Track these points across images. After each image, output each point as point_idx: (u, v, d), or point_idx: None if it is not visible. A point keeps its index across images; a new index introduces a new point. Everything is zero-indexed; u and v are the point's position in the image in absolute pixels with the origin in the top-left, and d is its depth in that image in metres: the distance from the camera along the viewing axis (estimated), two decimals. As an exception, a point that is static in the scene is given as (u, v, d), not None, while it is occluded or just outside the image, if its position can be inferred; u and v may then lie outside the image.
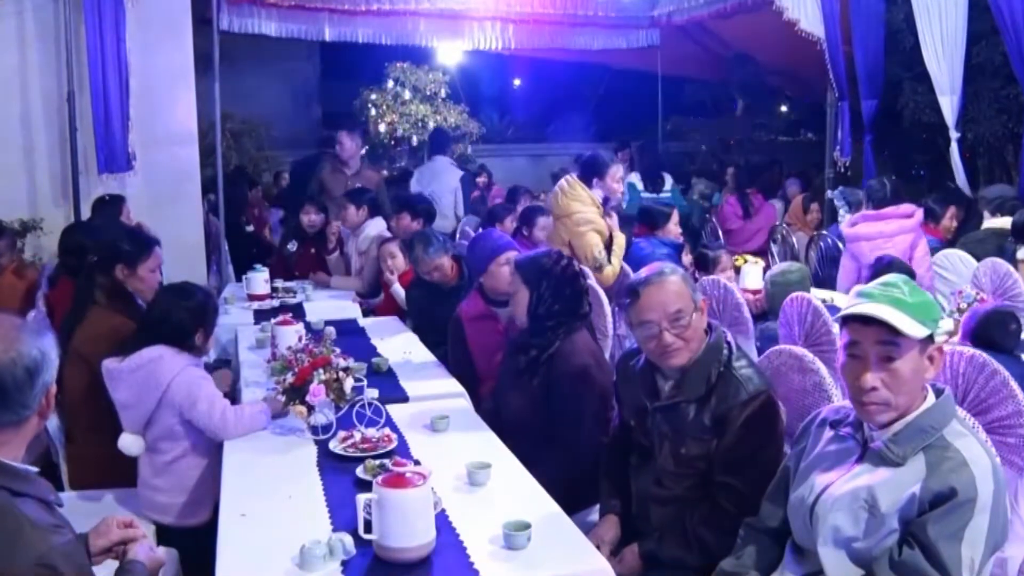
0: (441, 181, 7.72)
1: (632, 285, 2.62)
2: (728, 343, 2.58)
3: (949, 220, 6.06)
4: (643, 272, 2.64)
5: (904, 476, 1.89)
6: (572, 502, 2.84)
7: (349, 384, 2.98)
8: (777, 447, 2.50)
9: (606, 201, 5.40)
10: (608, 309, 4.32)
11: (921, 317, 1.91)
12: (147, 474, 3.14)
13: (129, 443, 3.11)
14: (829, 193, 7.60)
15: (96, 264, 3.71)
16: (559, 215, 5.35)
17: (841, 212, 7.03)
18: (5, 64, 6.20)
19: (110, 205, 5.78)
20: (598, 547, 2.54)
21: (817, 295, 4.37)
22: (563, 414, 3.08)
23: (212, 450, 3.10)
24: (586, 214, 5.21)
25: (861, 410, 1.98)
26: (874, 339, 1.92)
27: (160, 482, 3.11)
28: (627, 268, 5.20)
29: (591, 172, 5.35)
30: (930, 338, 1.94)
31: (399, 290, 5.15)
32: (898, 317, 1.90)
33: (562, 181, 5.54)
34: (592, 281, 4.69)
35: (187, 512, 3.11)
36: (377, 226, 5.89)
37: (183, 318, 3.16)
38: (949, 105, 6.78)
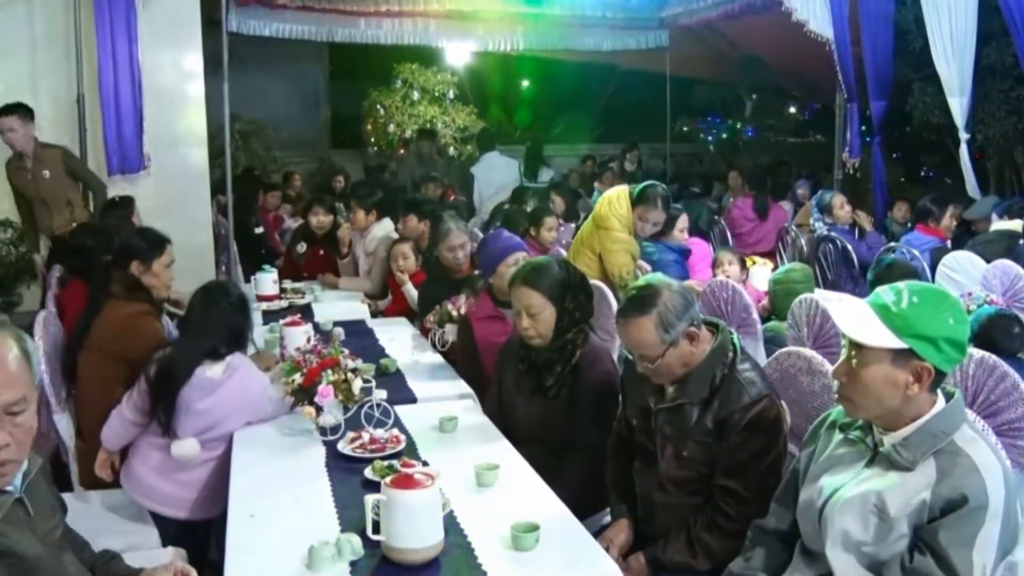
0: (504, 172, 8.69)
1: (619, 307, 2.62)
2: (734, 345, 2.56)
3: (949, 220, 6.06)
4: (625, 297, 2.62)
5: (914, 481, 1.88)
6: (589, 505, 2.84)
7: (357, 385, 2.98)
8: (778, 452, 2.49)
9: None
10: (615, 309, 4.30)
11: (898, 329, 1.88)
12: (173, 467, 3.09)
13: (188, 448, 3.04)
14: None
15: (112, 261, 3.75)
16: (599, 224, 5.17)
17: (813, 216, 7.03)
18: (16, 66, 6.23)
19: (120, 207, 5.79)
20: (607, 548, 2.55)
21: (821, 295, 4.36)
22: (588, 420, 3.06)
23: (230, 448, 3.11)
24: (621, 233, 5.06)
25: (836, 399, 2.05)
26: (849, 338, 1.96)
27: (185, 477, 3.10)
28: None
29: (636, 198, 5.13)
30: (915, 354, 1.89)
31: (411, 290, 5.15)
32: (858, 321, 1.92)
33: (613, 192, 5.32)
34: (596, 281, 4.70)
35: (201, 506, 3.11)
36: (384, 227, 5.90)
37: (235, 318, 3.20)
38: (959, 106, 6.76)
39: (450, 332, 4.11)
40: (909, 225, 7.02)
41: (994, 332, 3.34)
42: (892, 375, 1.90)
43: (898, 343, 1.88)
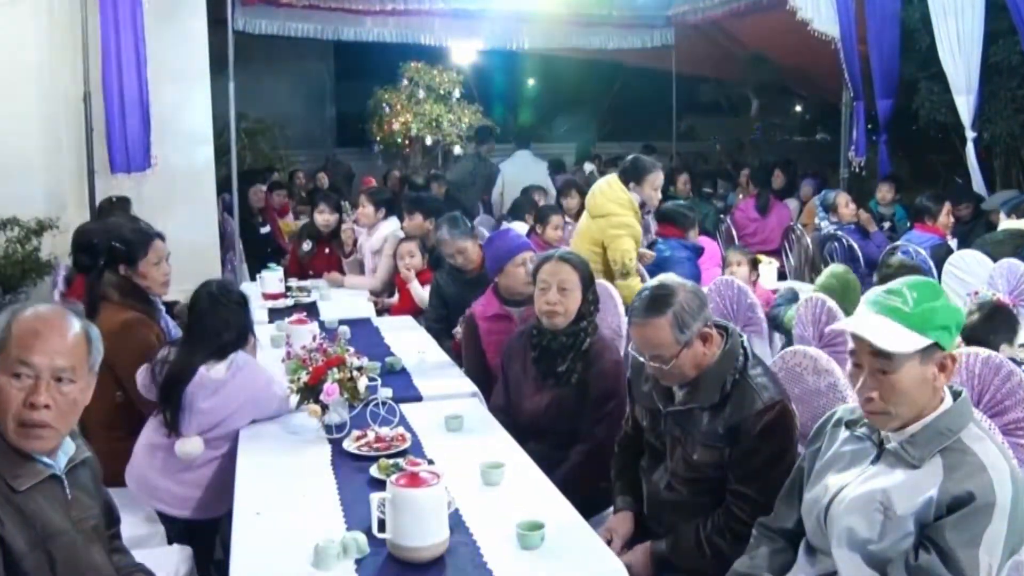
0: (531, 172, 8.79)
1: (632, 307, 2.61)
2: (744, 348, 2.55)
3: (946, 216, 6.06)
4: (638, 298, 2.60)
5: (920, 479, 1.87)
6: (594, 501, 2.84)
7: (363, 383, 2.98)
8: (792, 456, 2.47)
9: (643, 206, 5.23)
10: (622, 309, 4.31)
11: (920, 327, 1.88)
12: (177, 467, 3.10)
13: (192, 446, 3.05)
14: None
15: (104, 264, 3.73)
16: (595, 214, 5.13)
17: (819, 216, 7.02)
18: (23, 64, 6.22)
19: (116, 208, 5.75)
20: (610, 540, 2.55)
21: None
22: (595, 409, 3.10)
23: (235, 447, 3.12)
24: (624, 217, 5.01)
25: (866, 416, 2.00)
26: (868, 350, 1.92)
27: (190, 476, 3.11)
28: (643, 271, 5.16)
29: (630, 175, 5.11)
30: (937, 345, 1.89)
31: (418, 287, 5.15)
32: (886, 332, 1.88)
33: (602, 181, 5.34)
34: (603, 280, 4.70)
35: (206, 505, 3.11)
36: (391, 225, 5.89)
37: (239, 315, 3.22)
38: (965, 105, 6.75)
39: None
40: (897, 210, 7.04)
41: (989, 327, 3.35)
42: (923, 372, 1.90)
43: (924, 341, 1.88)
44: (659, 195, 5.20)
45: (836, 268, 4.84)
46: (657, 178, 5.12)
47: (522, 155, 9.03)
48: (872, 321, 1.93)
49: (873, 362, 1.92)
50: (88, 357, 1.94)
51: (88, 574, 1.94)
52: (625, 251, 4.90)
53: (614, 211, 5.02)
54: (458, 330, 4.34)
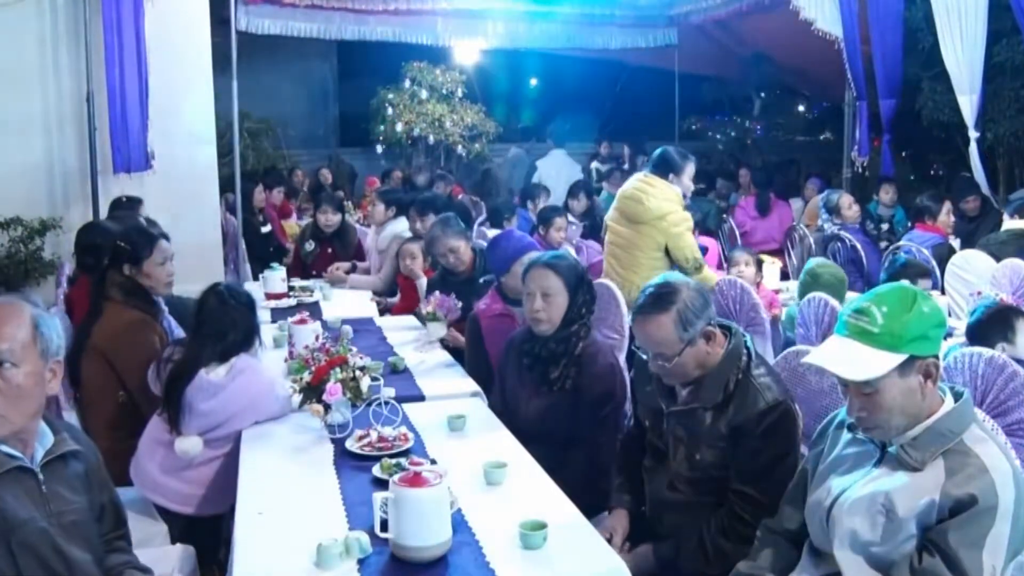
0: (569, 172, 9.02)
1: (635, 304, 2.61)
2: (747, 348, 2.55)
3: (946, 215, 6.06)
4: (642, 295, 2.60)
5: (922, 481, 1.87)
6: (595, 503, 2.84)
7: (366, 383, 2.98)
8: (795, 457, 2.48)
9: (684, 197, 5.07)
10: (624, 308, 4.31)
11: (891, 345, 1.88)
12: (179, 464, 3.10)
13: (191, 445, 3.05)
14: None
15: (108, 263, 3.73)
16: (647, 220, 4.79)
17: (822, 217, 7.02)
18: (27, 64, 6.25)
19: (127, 207, 5.77)
20: (610, 539, 2.55)
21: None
22: (591, 413, 3.09)
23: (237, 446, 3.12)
24: (680, 213, 4.82)
25: (861, 431, 2.01)
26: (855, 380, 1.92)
27: (192, 473, 3.11)
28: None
29: (669, 169, 4.91)
30: (915, 357, 1.88)
31: (424, 285, 5.15)
32: (855, 359, 1.89)
33: (638, 183, 4.93)
34: (605, 280, 4.68)
35: (208, 503, 3.12)
36: (399, 225, 5.89)
37: (248, 318, 3.22)
38: (968, 104, 6.74)
39: (435, 331, 4.11)
40: (896, 212, 7.05)
41: (991, 326, 3.34)
42: (906, 385, 1.90)
43: (898, 358, 1.88)
44: (691, 185, 5.06)
45: (812, 266, 4.78)
46: (692, 167, 4.99)
47: (557, 154, 9.08)
48: (840, 349, 1.94)
49: (853, 384, 1.92)
50: (36, 342, 1.91)
51: (58, 568, 1.92)
52: (691, 246, 4.77)
53: (671, 208, 4.79)
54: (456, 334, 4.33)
